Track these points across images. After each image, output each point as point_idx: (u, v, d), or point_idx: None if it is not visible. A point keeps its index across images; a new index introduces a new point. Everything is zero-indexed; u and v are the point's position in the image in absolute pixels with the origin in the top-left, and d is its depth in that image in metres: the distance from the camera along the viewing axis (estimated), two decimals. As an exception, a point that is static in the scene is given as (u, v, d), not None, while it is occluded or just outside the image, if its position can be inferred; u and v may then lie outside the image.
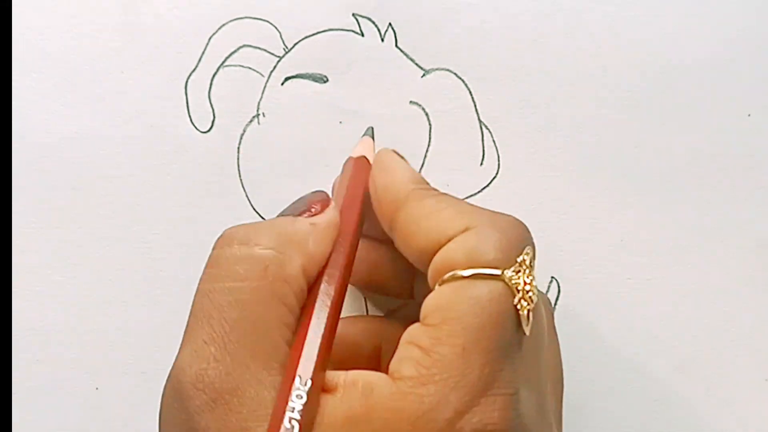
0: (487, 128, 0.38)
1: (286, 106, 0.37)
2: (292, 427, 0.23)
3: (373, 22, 0.38)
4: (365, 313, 0.36)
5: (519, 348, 0.25)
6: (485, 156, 0.38)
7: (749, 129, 0.38)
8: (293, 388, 0.24)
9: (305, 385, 0.24)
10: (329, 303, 0.27)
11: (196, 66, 0.37)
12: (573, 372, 0.37)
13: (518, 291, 0.25)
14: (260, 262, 0.26)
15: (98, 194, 0.36)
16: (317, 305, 0.27)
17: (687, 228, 0.38)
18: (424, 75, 0.38)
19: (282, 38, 0.37)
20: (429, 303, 0.26)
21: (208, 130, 0.37)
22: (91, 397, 0.35)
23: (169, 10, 0.37)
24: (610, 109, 0.38)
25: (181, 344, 0.26)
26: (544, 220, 0.37)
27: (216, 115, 0.37)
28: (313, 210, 0.29)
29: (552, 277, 0.37)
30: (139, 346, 0.36)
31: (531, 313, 0.26)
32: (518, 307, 0.25)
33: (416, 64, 0.38)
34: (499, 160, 0.38)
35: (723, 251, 0.38)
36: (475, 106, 0.38)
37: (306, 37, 0.37)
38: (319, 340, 0.26)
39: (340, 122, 0.37)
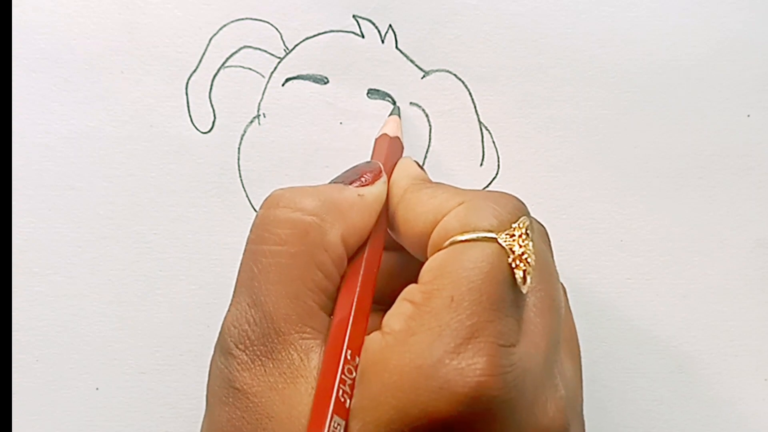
0: (487, 129, 0.38)
1: (286, 106, 0.37)
2: (345, 400, 0.24)
3: (374, 24, 0.38)
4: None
5: (515, 307, 0.26)
6: (485, 156, 0.38)
7: (749, 129, 0.38)
8: (344, 361, 0.25)
9: (354, 360, 0.25)
10: (371, 276, 0.28)
11: (197, 66, 0.37)
12: (573, 372, 0.37)
13: (513, 252, 0.26)
14: (301, 227, 0.27)
15: (98, 194, 0.36)
16: (362, 279, 0.28)
17: (687, 228, 0.38)
18: (424, 76, 0.38)
19: (283, 39, 0.37)
20: (425, 267, 0.26)
21: (209, 131, 0.37)
22: (91, 397, 0.35)
23: (169, 11, 0.37)
24: (610, 109, 0.38)
25: (231, 301, 0.27)
26: (544, 220, 0.37)
27: (216, 115, 0.37)
28: (363, 180, 0.30)
29: (552, 278, 0.37)
30: (139, 346, 0.36)
31: (528, 276, 0.26)
32: (513, 266, 0.26)
33: (416, 66, 0.38)
34: (499, 161, 0.38)
35: (722, 251, 0.38)
36: (474, 106, 0.38)
37: (307, 39, 0.37)
38: (365, 316, 0.27)
39: (340, 123, 0.37)
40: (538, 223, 0.30)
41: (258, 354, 0.26)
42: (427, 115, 0.38)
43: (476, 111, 0.38)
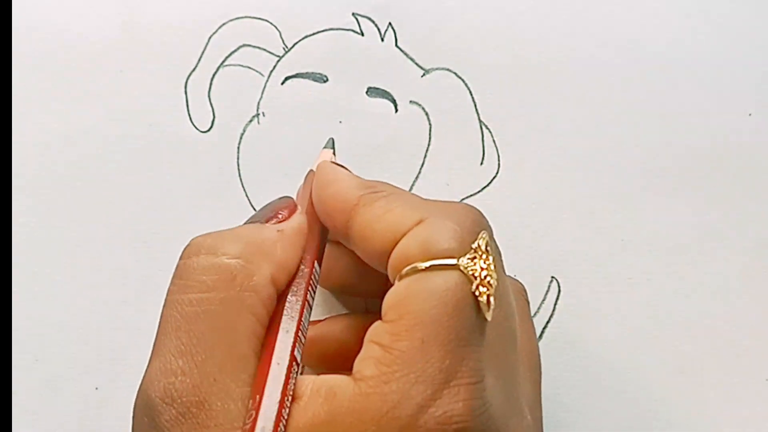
0: (487, 128, 0.38)
1: (286, 105, 0.37)
2: None
3: (373, 22, 0.37)
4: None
5: (481, 335, 0.25)
6: (485, 156, 0.38)
7: (749, 129, 0.38)
8: (263, 404, 0.24)
9: (272, 398, 0.24)
10: (297, 312, 0.27)
11: (196, 65, 0.37)
12: (573, 372, 0.37)
13: (475, 278, 0.25)
14: (228, 271, 0.26)
15: (98, 194, 0.36)
16: (284, 316, 0.27)
17: (687, 228, 0.38)
18: (424, 74, 0.38)
19: (282, 38, 0.37)
20: (388, 300, 0.26)
21: (208, 130, 0.37)
22: (91, 397, 0.35)
23: (169, 10, 0.37)
24: (610, 109, 0.38)
25: (150, 357, 0.26)
26: (544, 220, 0.37)
27: (216, 114, 0.37)
28: (280, 216, 0.29)
29: (552, 277, 0.37)
30: (138, 346, 0.36)
31: (491, 299, 0.25)
32: (477, 293, 0.25)
33: (416, 64, 0.38)
34: (499, 160, 0.37)
35: (723, 251, 0.38)
36: (475, 105, 0.38)
37: (306, 37, 0.37)
38: (288, 350, 0.26)
39: (340, 122, 0.37)
40: (490, 228, 0.29)
41: (188, 406, 0.24)
42: (427, 114, 0.38)
43: (476, 110, 0.38)
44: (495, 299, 0.26)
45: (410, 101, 0.37)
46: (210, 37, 0.37)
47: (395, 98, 0.37)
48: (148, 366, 0.26)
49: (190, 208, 0.37)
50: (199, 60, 0.37)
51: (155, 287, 0.36)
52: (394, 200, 0.28)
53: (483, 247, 0.26)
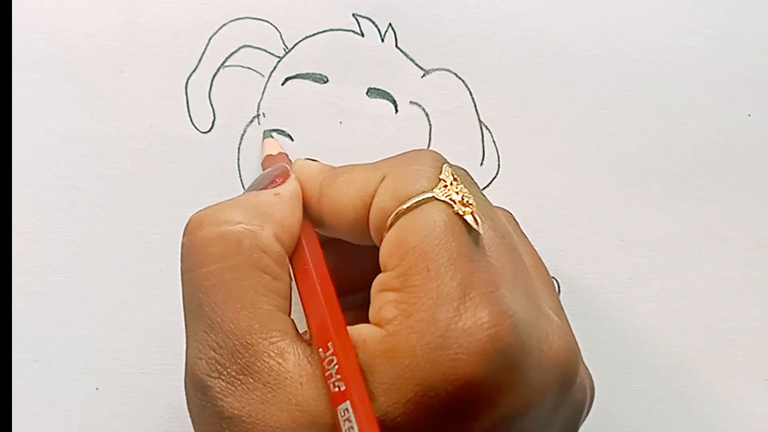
0: (487, 128, 0.38)
1: (286, 106, 0.37)
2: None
3: (374, 23, 0.38)
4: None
5: (481, 250, 0.26)
6: (485, 156, 0.38)
7: (749, 129, 0.38)
8: (326, 357, 0.25)
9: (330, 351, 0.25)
10: (323, 268, 0.28)
11: (197, 66, 0.37)
12: (573, 372, 0.37)
13: (454, 201, 0.26)
14: (233, 238, 0.27)
15: (98, 194, 0.36)
16: (314, 272, 0.28)
17: (687, 227, 0.38)
18: (424, 75, 0.38)
19: (282, 38, 0.37)
20: (383, 252, 0.26)
21: (209, 131, 0.37)
22: (91, 397, 0.35)
23: (169, 10, 0.37)
24: (610, 109, 0.38)
25: (186, 337, 0.27)
26: (544, 220, 0.37)
27: (216, 115, 0.37)
28: (277, 182, 0.30)
29: (552, 277, 0.37)
30: (139, 346, 0.36)
31: (476, 216, 0.26)
32: (460, 212, 0.26)
33: (416, 65, 0.38)
34: (499, 160, 0.38)
35: (723, 251, 0.38)
36: (475, 106, 0.38)
37: (306, 38, 0.37)
38: (336, 306, 0.27)
39: (340, 122, 0.37)
40: (457, 166, 0.30)
41: (234, 374, 0.25)
42: (427, 115, 0.38)
43: (476, 110, 0.38)
44: (481, 217, 0.27)
45: (410, 102, 0.38)
46: (211, 38, 0.37)
47: (395, 99, 0.37)
48: (186, 347, 0.27)
49: (191, 209, 0.36)
50: (200, 60, 0.37)
51: (155, 287, 0.36)
52: (353, 172, 0.29)
53: (450, 176, 0.27)
